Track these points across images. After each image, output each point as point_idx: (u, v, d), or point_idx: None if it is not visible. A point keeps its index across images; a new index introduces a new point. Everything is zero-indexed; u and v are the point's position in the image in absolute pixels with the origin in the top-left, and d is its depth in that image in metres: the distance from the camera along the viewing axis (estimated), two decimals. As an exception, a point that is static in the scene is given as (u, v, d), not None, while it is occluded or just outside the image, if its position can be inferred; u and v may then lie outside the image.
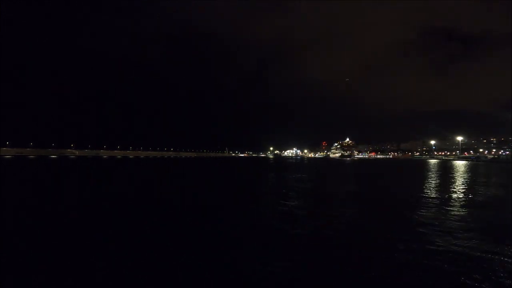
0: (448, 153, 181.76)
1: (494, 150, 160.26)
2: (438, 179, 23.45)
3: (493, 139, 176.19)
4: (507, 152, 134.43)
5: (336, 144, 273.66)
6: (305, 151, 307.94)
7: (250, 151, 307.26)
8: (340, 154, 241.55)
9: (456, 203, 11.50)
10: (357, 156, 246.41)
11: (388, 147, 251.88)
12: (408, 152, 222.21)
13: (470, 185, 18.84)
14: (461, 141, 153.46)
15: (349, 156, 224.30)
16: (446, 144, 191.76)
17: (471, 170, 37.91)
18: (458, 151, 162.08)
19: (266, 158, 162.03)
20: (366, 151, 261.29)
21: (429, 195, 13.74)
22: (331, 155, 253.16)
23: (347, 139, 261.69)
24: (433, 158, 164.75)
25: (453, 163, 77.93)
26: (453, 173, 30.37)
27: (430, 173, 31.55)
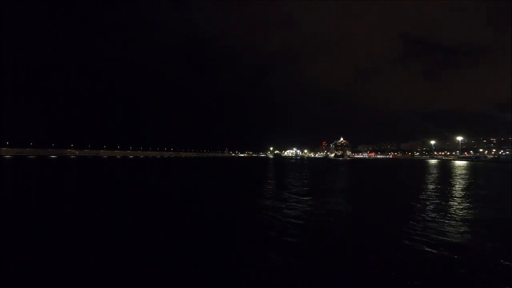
0: (448, 153, 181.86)
1: (494, 150, 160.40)
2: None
3: (493, 139, 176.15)
4: (507, 152, 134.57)
5: (331, 144, 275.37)
6: (305, 151, 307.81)
7: (250, 151, 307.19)
8: (334, 154, 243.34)
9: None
10: (357, 156, 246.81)
11: (388, 147, 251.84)
12: (408, 152, 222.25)
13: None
14: (461, 141, 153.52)
15: (341, 156, 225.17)
16: (446, 144, 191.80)
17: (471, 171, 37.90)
18: (458, 151, 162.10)
19: (266, 158, 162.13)
20: (366, 151, 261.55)
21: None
22: (330, 155, 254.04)
23: (341, 139, 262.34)
24: (433, 158, 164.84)
25: (453, 163, 77.97)
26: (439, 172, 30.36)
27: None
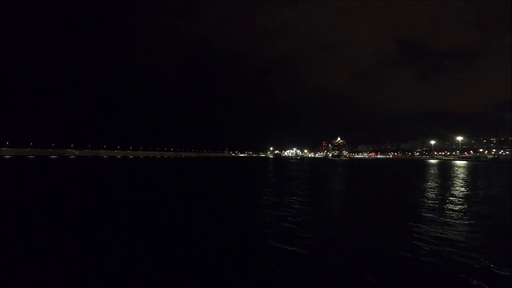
0: (448, 153, 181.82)
1: (494, 150, 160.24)
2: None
3: (493, 139, 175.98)
4: (507, 152, 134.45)
5: (329, 145, 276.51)
6: (305, 151, 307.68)
7: (250, 151, 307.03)
8: (331, 154, 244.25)
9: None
10: (356, 156, 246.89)
11: (388, 147, 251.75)
12: (408, 152, 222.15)
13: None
14: (461, 141, 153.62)
15: (338, 156, 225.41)
16: (446, 144, 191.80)
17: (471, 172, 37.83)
18: (458, 151, 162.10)
19: (266, 158, 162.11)
20: (366, 151, 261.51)
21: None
22: (329, 155, 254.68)
23: (338, 139, 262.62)
24: (433, 158, 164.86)
25: (453, 163, 77.95)
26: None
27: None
